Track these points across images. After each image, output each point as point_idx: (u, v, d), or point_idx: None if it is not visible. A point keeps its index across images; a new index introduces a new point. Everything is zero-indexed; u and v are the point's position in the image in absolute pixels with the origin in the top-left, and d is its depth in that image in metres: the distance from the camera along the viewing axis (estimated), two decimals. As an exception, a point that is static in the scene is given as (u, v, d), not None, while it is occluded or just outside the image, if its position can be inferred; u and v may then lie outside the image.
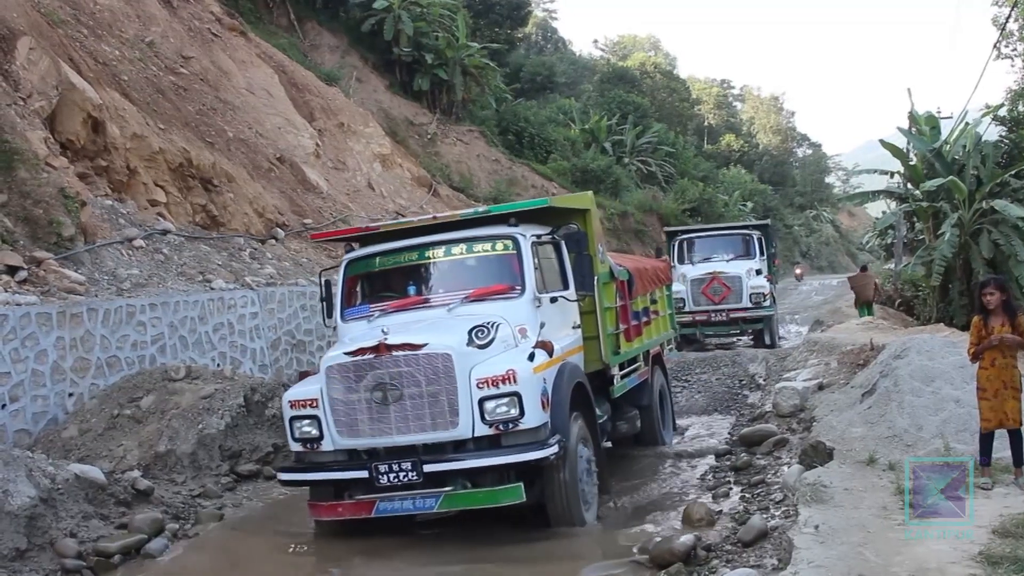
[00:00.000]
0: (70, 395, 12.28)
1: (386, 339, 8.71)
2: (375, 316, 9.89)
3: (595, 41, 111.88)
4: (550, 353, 9.04)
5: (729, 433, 14.59)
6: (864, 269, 30.25)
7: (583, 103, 61.18)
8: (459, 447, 8.78)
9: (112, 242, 15.21)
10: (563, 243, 10.31)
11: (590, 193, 11.78)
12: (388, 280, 10.48)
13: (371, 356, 8.77)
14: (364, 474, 8.86)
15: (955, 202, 23.84)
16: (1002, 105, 26.54)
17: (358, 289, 10.52)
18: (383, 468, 8.74)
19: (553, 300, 10.02)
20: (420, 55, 39.24)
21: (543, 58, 64.03)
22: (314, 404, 9.08)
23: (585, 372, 10.34)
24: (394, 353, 8.69)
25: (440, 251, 10.22)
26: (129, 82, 19.63)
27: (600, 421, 10.57)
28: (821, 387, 14.63)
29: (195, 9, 26.77)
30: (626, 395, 12.15)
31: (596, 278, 10.66)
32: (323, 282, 11.18)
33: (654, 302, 14.26)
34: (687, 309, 24.55)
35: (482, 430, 8.65)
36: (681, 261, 26.43)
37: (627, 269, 12.54)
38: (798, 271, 28.69)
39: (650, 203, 50.45)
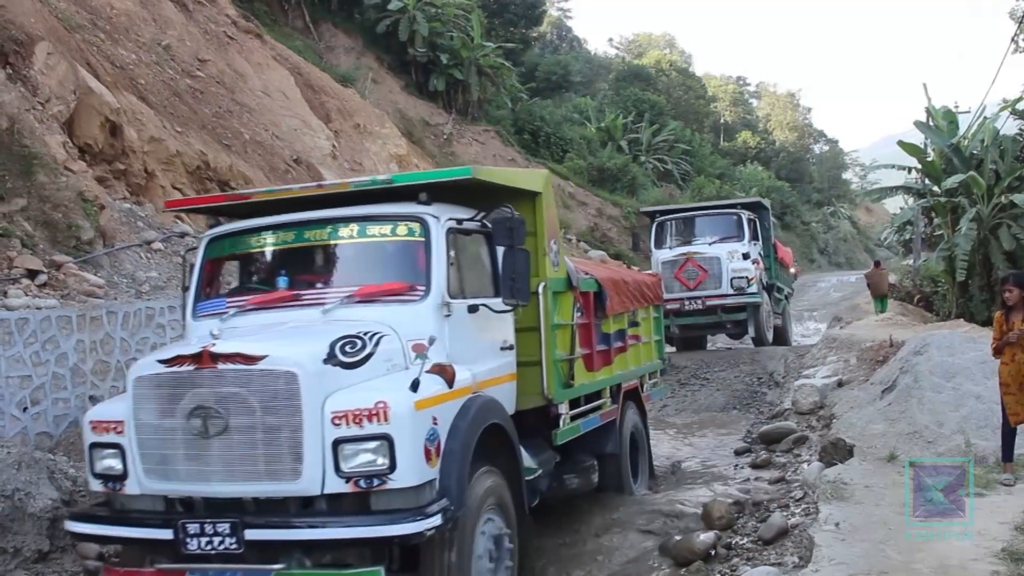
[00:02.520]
0: (91, 398, 12.33)
1: (212, 345, 6.16)
2: (230, 314, 7.32)
3: (610, 39, 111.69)
4: (450, 381, 6.56)
5: (748, 430, 14.55)
6: (878, 265, 30.11)
7: (599, 102, 61.13)
8: (307, 506, 6.15)
9: (131, 245, 15.26)
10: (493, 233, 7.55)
11: (545, 172, 9.41)
12: (258, 267, 8.00)
13: (191, 368, 6.15)
14: (168, 534, 6.20)
15: (974, 197, 23.70)
16: (1020, 99, 26.31)
17: (220, 277, 8.08)
18: (193, 528, 6.11)
19: (472, 309, 7.29)
20: (435, 55, 39.32)
21: (558, 57, 63.94)
22: (119, 429, 6.51)
23: (517, 409, 7.93)
24: (220, 366, 6.10)
25: (323, 232, 7.54)
26: (146, 85, 19.72)
27: (532, 477, 7.94)
28: (840, 384, 14.58)
29: (211, 12, 26.88)
30: (582, 441, 9.42)
31: (544, 284, 8.16)
32: (187, 265, 8.19)
33: (635, 324, 11.48)
34: None
35: (336, 485, 5.99)
36: (660, 245, 22.53)
37: (596, 279, 9.93)
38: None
39: (667, 201, 50.36)
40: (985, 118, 26.27)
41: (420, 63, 39.78)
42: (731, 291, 20.98)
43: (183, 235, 16.85)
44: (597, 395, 9.99)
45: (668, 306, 19.13)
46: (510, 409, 7.72)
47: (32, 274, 12.78)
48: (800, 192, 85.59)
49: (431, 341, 6.55)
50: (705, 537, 8.57)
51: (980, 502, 8.11)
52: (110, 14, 21.12)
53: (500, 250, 7.52)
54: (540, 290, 8.13)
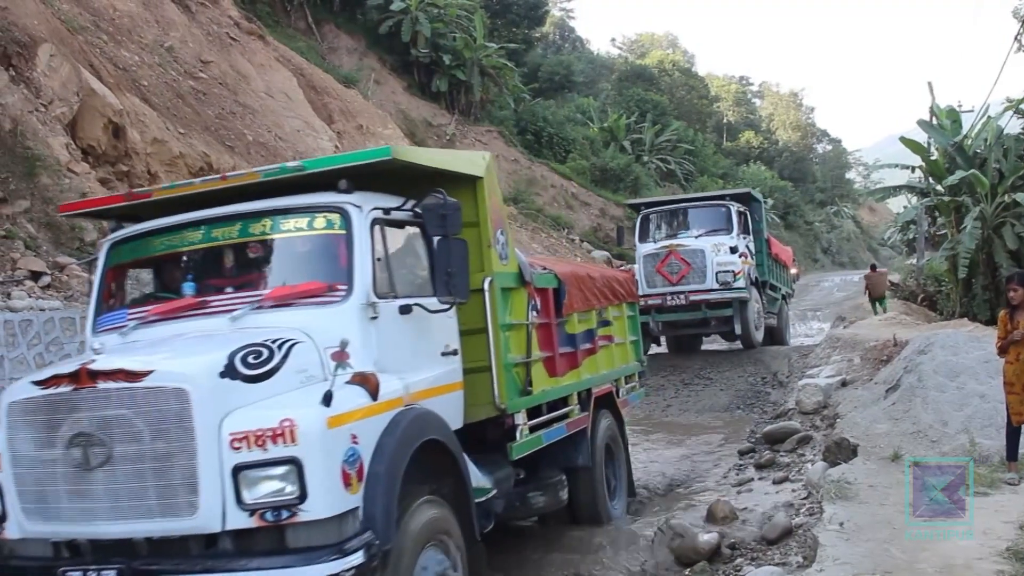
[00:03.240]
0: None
1: (92, 362, 5.33)
2: (130, 327, 6.42)
3: (613, 39, 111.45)
4: (373, 392, 5.70)
5: (752, 430, 14.54)
6: (874, 268, 30.33)
7: (601, 102, 61.14)
8: (212, 546, 5.25)
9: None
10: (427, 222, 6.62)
11: (487, 154, 8.14)
12: (163, 272, 7.09)
13: (68, 389, 5.28)
14: None
15: (977, 196, 23.68)
16: (1024, 99, 26.31)
17: (124, 285, 7.14)
18: None
19: (405, 310, 6.40)
20: (438, 56, 39.33)
21: (561, 57, 63.92)
22: None
23: (467, 421, 7.09)
24: (100, 385, 5.23)
25: (233, 230, 6.58)
26: (149, 87, 19.74)
27: (484, 499, 6.93)
28: (844, 383, 14.56)
29: (213, 14, 26.92)
30: (548, 454, 8.62)
31: (489, 280, 7.37)
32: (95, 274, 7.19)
33: (605, 324, 10.53)
34: (639, 292, 17.74)
35: (238, 519, 5.10)
36: (644, 239, 21.28)
37: (555, 274, 8.99)
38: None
39: (670, 201, 50.35)
40: (989, 117, 26.23)
41: (423, 64, 39.80)
42: (716, 285, 19.58)
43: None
44: (563, 402, 9.00)
45: (650, 301, 18.86)
46: (456, 422, 6.83)
47: (36, 275, 12.81)
48: (803, 192, 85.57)
49: (343, 346, 5.65)
50: (709, 537, 8.57)
51: (985, 501, 8.10)
52: (113, 16, 21.15)
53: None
54: (485, 286, 7.31)
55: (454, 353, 7.00)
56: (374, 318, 6.14)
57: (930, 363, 11.91)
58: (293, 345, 5.72)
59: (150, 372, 5.22)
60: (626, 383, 11.28)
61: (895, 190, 31.32)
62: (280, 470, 5.06)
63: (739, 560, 8.18)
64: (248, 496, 5.06)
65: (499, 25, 50.02)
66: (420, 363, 6.56)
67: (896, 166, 32.40)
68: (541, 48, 65.01)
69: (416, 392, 6.27)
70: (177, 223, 6.71)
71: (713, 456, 13.58)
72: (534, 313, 8.26)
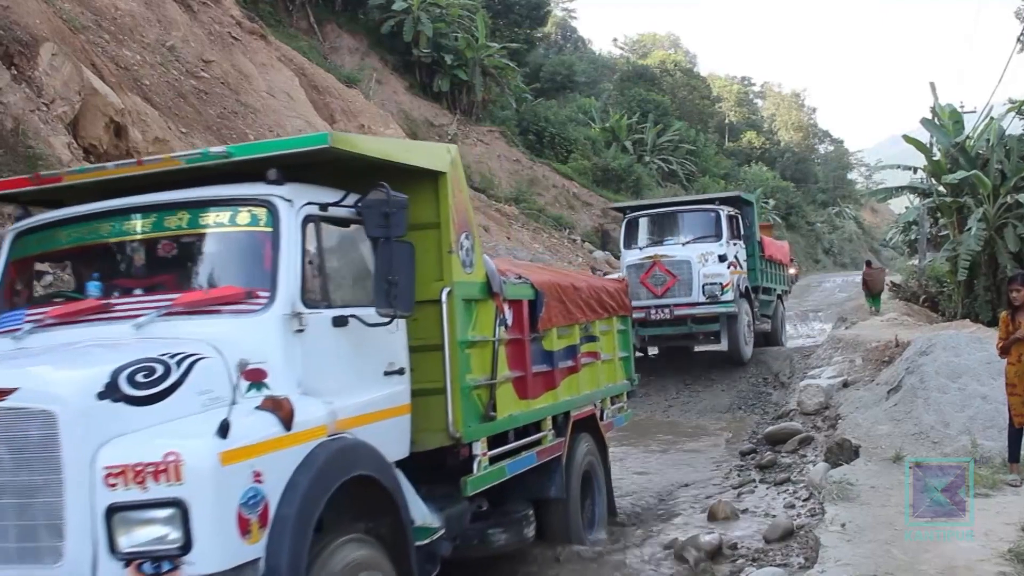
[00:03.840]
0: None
1: None
2: (25, 331, 5.55)
3: (615, 40, 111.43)
4: (287, 420, 4.82)
5: (753, 431, 14.53)
6: (869, 264, 30.58)
7: (603, 102, 61.12)
8: None
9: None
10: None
11: (451, 147, 7.18)
12: (70, 268, 6.51)
13: None
14: None
15: (979, 197, 23.65)
16: (1027, 99, 26.25)
17: (30, 281, 6.42)
18: None
19: (339, 322, 5.54)
20: (439, 56, 39.33)
21: (563, 57, 63.93)
22: None
23: (416, 450, 6.25)
24: None
25: (147, 223, 5.73)
26: (151, 86, 19.75)
27: (428, 540, 6.09)
28: (846, 384, 14.56)
29: (215, 13, 26.92)
30: (516, 484, 7.69)
31: (448, 290, 6.50)
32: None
33: (591, 339, 9.53)
34: None
35: (112, 571, 4.26)
36: (629, 245, 20.36)
37: (531, 284, 8.03)
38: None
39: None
40: (991, 118, 26.21)
41: (424, 64, 39.80)
42: (702, 299, 18.67)
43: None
44: (536, 427, 8.08)
45: (633, 315, 17.04)
46: (398, 451, 5.99)
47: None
48: (805, 192, 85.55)
49: (258, 364, 4.93)
50: (710, 537, 8.57)
51: (986, 503, 8.09)
52: (115, 15, 21.15)
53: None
54: (443, 297, 6.44)
55: (400, 372, 6.08)
56: (300, 331, 5.26)
57: (932, 364, 11.90)
58: (196, 361, 4.86)
59: (14, 390, 4.39)
60: (612, 404, 10.32)
61: (897, 191, 31.28)
62: (162, 513, 4.23)
63: (740, 561, 8.18)
64: (124, 543, 4.24)
65: (501, 25, 50.00)
66: (356, 384, 5.70)
67: (898, 167, 32.38)
68: (543, 48, 65.01)
69: (346, 419, 5.40)
70: (86, 213, 5.84)
71: (714, 458, 13.57)
72: (503, 328, 7.29)
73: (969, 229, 22.38)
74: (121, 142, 16.80)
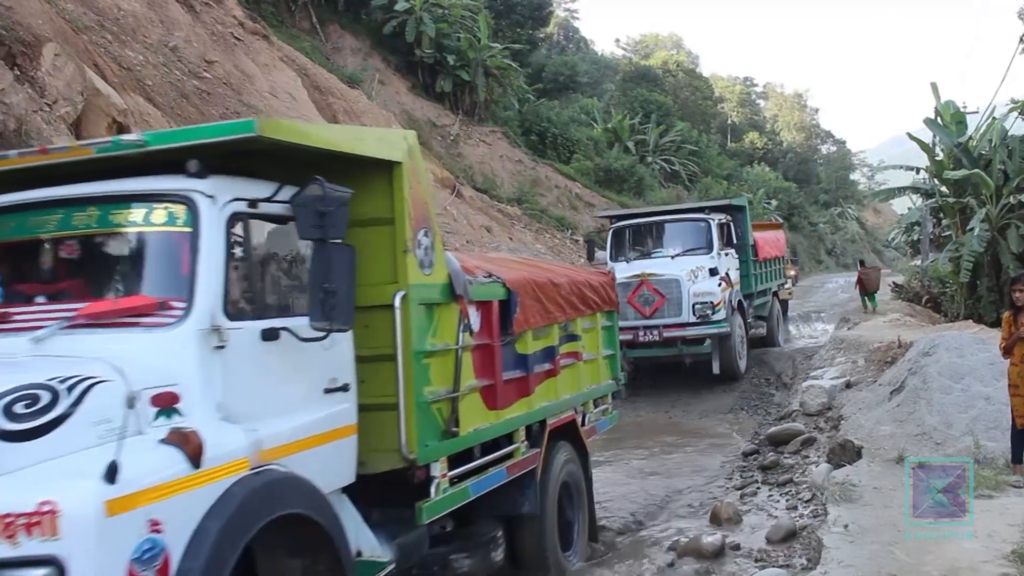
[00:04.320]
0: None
1: None
2: None
3: (617, 40, 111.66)
4: (195, 456, 4.16)
5: (756, 432, 14.52)
6: (863, 264, 30.91)
7: (606, 102, 61.12)
8: None
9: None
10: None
11: (408, 133, 6.40)
12: None
13: None
14: None
15: (982, 197, 23.63)
16: (1029, 99, 26.22)
17: None
18: None
19: (270, 336, 4.88)
20: (442, 56, 39.31)
21: (565, 58, 63.95)
22: None
23: (366, 472, 5.65)
24: None
25: (52, 220, 4.99)
26: (153, 87, 19.76)
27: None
28: (849, 385, 14.55)
29: (218, 13, 26.93)
30: (486, 498, 6.92)
31: (402, 295, 5.80)
32: None
33: (572, 338, 8.81)
34: None
35: None
36: (616, 257, 19.38)
37: (503, 283, 7.29)
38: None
39: (674, 202, 50.37)
40: (994, 118, 26.19)
41: (427, 64, 39.77)
42: (693, 318, 17.68)
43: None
44: (508, 439, 7.36)
45: (620, 336, 15.80)
46: (341, 478, 5.39)
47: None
48: (807, 193, 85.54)
49: (146, 391, 4.23)
50: (713, 538, 8.57)
51: (990, 504, 8.08)
52: (117, 15, 21.16)
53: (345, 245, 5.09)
54: (396, 302, 5.75)
55: (344, 389, 5.42)
56: (221, 347, 4.59)
57: (935, 365, 11.89)
58: (92, 386, 4.13)
59: None
60: (595, 406, 9.61)
61: (899, 191, 31.26)
62: (36, 573, 3.57)
63: (743, 562, 8.18)
64: None
65: (503, 26, 49.99)
66: (290, 405, 5.04)
67: (900, 167, 32.40)
68: (545, 49, 65.00)
69: (275, 447, 4.75)
70: None
71: (716, 459, 13.55)
72: (468, 334, 6.57)
73: (972, 230, 22.37)
74: (124, 142, 16.82)
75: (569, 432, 8.63)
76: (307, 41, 35.04)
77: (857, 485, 9.04)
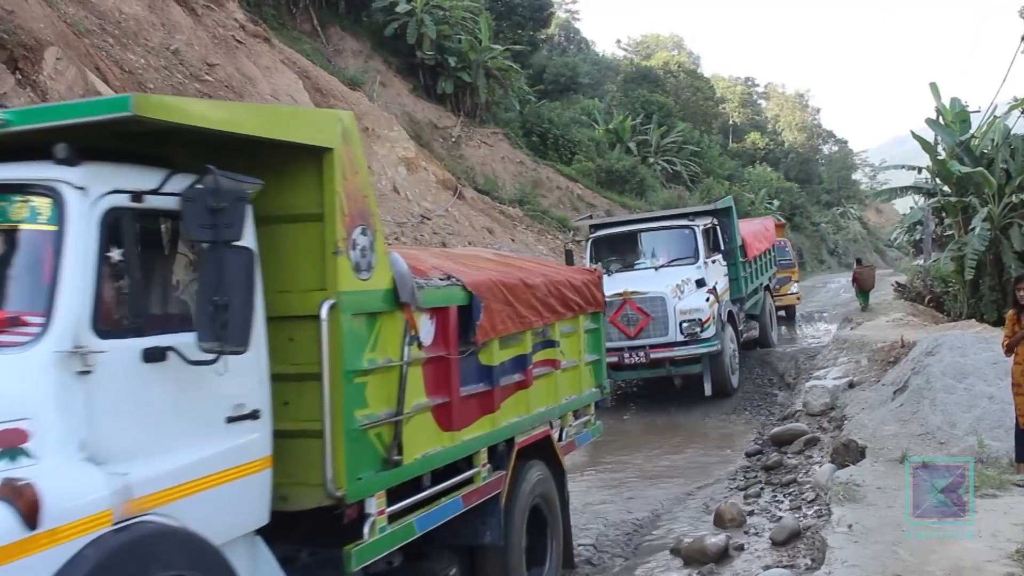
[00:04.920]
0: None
1: None
2: None
3: (618, 41, 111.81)
4: (29, 515, 3.40)
5: (759, 432, 14.51)
6: (860, 263, 30.93)
7: (607, 103, 61.14)
8: None
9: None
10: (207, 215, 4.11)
11: (345, 115, 5.41)
12: None
13: None
14: None
15: (984, 196, 23.62)
16: (1031, 98, 26.22)
17: None
18: None
19: (153, 356, 4.10)
20: (443, 58, 39.30)
21: (566, 59, 63.97)
22: None
23: (284, 508, 4.88)
24: None
25: None
26: (155, 90, 19.76)
27: None
28: (852, 385, 14.54)
29: (219, 16, 26.94)
30: (439, 528, 6.02)
31: (331, 304, 4.95)
32: None
33: (548, 345, 7.94)
34: None
35: None
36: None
37: (463, 286, 6.39)
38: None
39: (676, 203, 50.39)
40: (995, 117, 26.18)
41: (428, 66, 39.76)
42: (680, 337, 16.57)
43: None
44: (468, 462, 6.47)
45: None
46: (249, 521, 4.59)
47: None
48: (809, 193, 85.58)
49: (17, 425, 3.59)
50: (717, 539, 8.57)
51: (994, 503, 8.08)
52: (119, 19, 21.18)
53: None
54: (323, 313, 4.88)
55: (253, 416, 4.58)
56: (86, 372, 3.78)
57: (938, 364, 11.88)
58: None
59: None
60: (575, 418, 8.76)
61: (901, 191, 31.26)
62: None
63: (747, 562, 8.17)
64: None
65: (504, 27, 49.99)
66: (179, 440, 4.19)
67: (902, 167, 32.42)
68: (546, 50, 65.02)
69: (153, 494, 3.93)
70: None
71: (719, 460, 13.54)
72: (415, 347, 5.69)
73: (974, 229, 22.36)
74: (126, 145, 16.85)
75: (543, 449, 7.76)
76: (308, 43, 35.04)
77: (861, 485, 9.03)
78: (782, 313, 29.11)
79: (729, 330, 17.92)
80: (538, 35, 57.54)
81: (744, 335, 19.71)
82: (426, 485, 5.92)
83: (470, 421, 6.43)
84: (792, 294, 30.15)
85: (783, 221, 41.50)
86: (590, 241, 18.83)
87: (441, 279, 6.26)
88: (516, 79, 44.83)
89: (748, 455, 13.05)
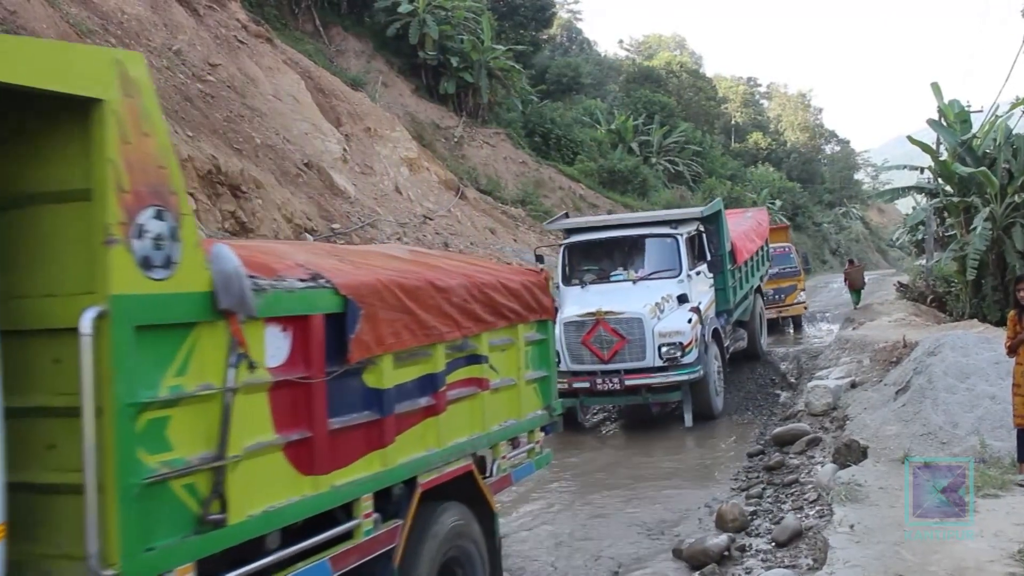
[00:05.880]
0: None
1: None
2: None
3: (620, 41, 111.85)
4: None
5: (761, 432, 14.50)
6: (852, 263, 30.81)
7: (609, 104, 61.27)
8: None
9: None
10: None
11: (126, 55, 3.90)
12: None
13: None
14: None
15: (987, 196, 23.61)
16: (1033, 98, 26.21)
17: None
18: None
19: None
20: (445, 58, 39.35)
21: (568, 59, 64.04)
22: None
23: None
24: None
25: None
26: (157, 90, 19.68)
27: None
28: (854, 385, 14.53)
29: (221, 17, 26.95)
30: None
31: (98, 313, 3.57)
32: None
33: (473, 361, 6.54)
34: (562, 368, 14.26)
35: None
36: (569, 280, 16.45)
37: (334, 287, 5.03)
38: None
39: (678, 203, 50.43)
40: (997, 117, 26.17)
41: (430, 66, 39.80)
42: (659, 362, 14.76)
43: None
44: (347, 512, 5.05)
45: (576, 383, 14.76)
46: None
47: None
48: (812, 193, 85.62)
49: None
50: (719, 540, 8.56)
51: (996, 503, 8.07)
52: (121, 19, 21.19)
53: None
54: (84, 325, 3.53)
55: None
56: None
57: (940, 364, 11.87)
58: None
59: None
60: (513, 448, 7.34)
61: (904, 191, 31.25)
62: None
63: (749, 562, 8.17)
64: None
65: (506, 27, 50.04)
66: None
67: (905, 167, 32.42)
68: (548, 50, 65.06)
69: None
70: None
71: (721, 460, 13.53)
72: (246, 368, 4.28)
73: (976, 229, 22.35)
74: (128, 146, 16.86)
75: (462, 488, 6.31)
76: (310, 44, 35.09)
77: (863, 485, 9.02)
78: (788, 322, 28.77)
79: (714, 349, 16.07)
80: (540, 35, 57.62)
81: (731, 348, 18.00)
82: (270, 548, 4.41)
83: (347, 461, 5.03)
84: (799, 303, 28.65)
85: (787, 224, 41.15)
86: (562, 249, 16.90)
87: (302, 280, 4.83)
88: (518, 79, 44.87)
89: (750, 455, 13.04)
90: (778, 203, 66.55)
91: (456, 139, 38.75)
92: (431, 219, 28.78)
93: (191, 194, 18.29)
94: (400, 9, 37.68)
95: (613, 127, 54.93)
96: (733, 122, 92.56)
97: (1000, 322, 17.48)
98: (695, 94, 76.96)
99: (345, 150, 27.46)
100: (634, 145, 54.65)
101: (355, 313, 5.03)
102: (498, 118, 43.61)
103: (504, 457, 7.09)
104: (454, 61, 39.46)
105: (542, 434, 7.85)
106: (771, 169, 78.97)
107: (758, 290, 21.32)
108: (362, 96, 32.63)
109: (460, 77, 39.99)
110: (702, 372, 15.10)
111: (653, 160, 55.62)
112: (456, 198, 32.13)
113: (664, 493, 11.53)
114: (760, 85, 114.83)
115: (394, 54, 39.64)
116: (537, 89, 50.50)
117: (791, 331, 28.60)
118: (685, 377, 14.90)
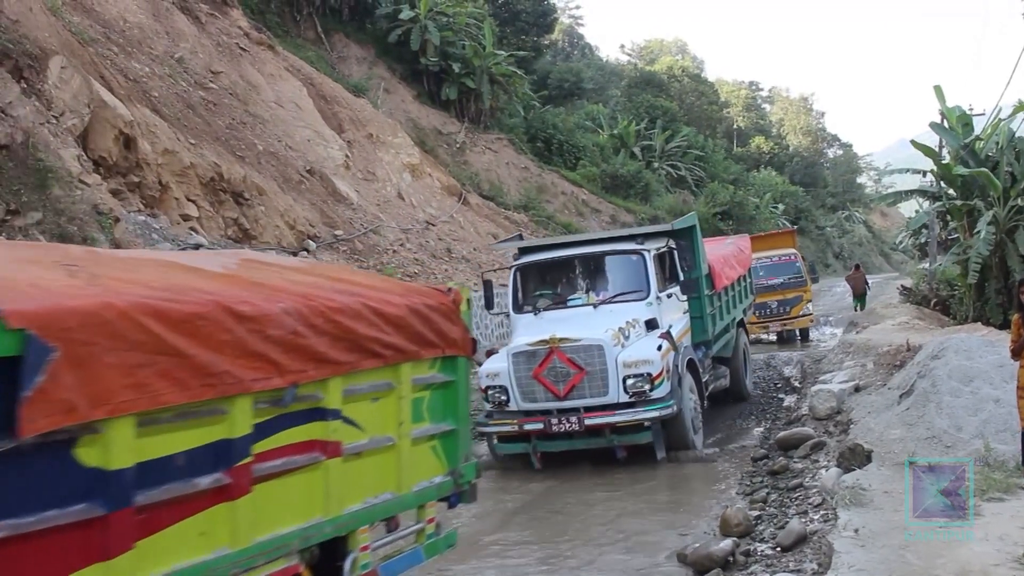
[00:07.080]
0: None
1: None
2: None
3: (622, 46, 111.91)
4: None
5: (765, 436, 14.49)
6: (857, 268, 30.76)
7: (611, 108, 61.30)
8: None
9: (145, 257, 15.29)
10: None
11: None
12: None
13: None
14: None
15: (989, 199, 23.59)
16: (1035, 101, 26.20)
17: None
18: None
19: None
20: (447, 64, 39.40)
21: (570, 64, 64.16)
22: None
23: None
24: None
25: None
26: (159, 98, 19.81)
27: None
28: (858, 389, 14.50)
29: (223, 24, 27.01)
30: None
31: None
32: None
33: (314, 416, 4.90)
34: (511, 407, 12.96)
35: None
36: (521, 306, 14.27)
37: (5, 319, 3.16)
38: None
39: (681, 207, 50.46)
40: (1000, 120, 26.15)
41: (432, 72, 39.85)
42: (624, 398, 12.56)
43: (197, 246, 16.92)
44: None
45: (527, 425, 12.81)
46: None
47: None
48: (814, 197, 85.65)
49: None
50: (723, 544, 8.54)
51: (1000, 507, 8.05)
52: (123, 27, 21.25)
53: None
54: None
55: None
56: None
57: (944, 368, 11.85)
58: None
59: None
60: (388, 531, 5.80)
61: (906, 194, 31.20)
62: None
63: (754, 567, 8.15)
64: None
65: (508, 33, 50.09)
66: None
67: (907, 170, 32.40)
68: (550, 55, 65.15)
69: None
70: None
71: (725, 463, 13.50)
72: None
73: (979, 232, 22.32)
74: (131, 154, 16.88)
75: None
76: (312, 51, 35.13)
77: (867, 489, 9.00)
78: (796, 332, 28.40)
79: (689, 381, 13.69)
80: (542, 41, 57.67)
81: (711, 386, 15.59)
82: None
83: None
84: (805, 316, 27.26)
85: (793, 228, 40.56)
86: (513, 271, 14.61)
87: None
88: (520, 85, 44.92)
89: (754, 460, 13.01)
90: (781, 207, 66.53)
91: (458, 145, 38.78)
92: (434, 225, 28.81)
93: (193, 201, 18.30)
94: (402, 15, 37.75)
95: (615, 132, 54.97)
96: (735, 126, 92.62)
97: (1003, 325, 17.47)
98: (697, 98, 77.03)
99: (347, 156, 27.50)
100: (636, 150, 54.66)
101: (39, 357, 3.28)
102: (500, 124, 43.65)
103: (364, 548, 5.26)
104: (456, 67, 39.51)
105: (435, 510, 6.13)
106: (774, 173, 79.02)
107: (741, 324, 18.69)
108: (364, 102, 32.69)
109: (462, 83, 40.04)
110: (676, 408, 12.76)
111: (655, 165, 55.64)
112: (459, 204, 32.17)
113: (665, 495, 11.53)
114: (762, 89, 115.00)
115: (396, 60, 39.69)
116: (539, 94, 50.57)
117: (798, 338, 28.50)
118: (655, 414, 12.59)
